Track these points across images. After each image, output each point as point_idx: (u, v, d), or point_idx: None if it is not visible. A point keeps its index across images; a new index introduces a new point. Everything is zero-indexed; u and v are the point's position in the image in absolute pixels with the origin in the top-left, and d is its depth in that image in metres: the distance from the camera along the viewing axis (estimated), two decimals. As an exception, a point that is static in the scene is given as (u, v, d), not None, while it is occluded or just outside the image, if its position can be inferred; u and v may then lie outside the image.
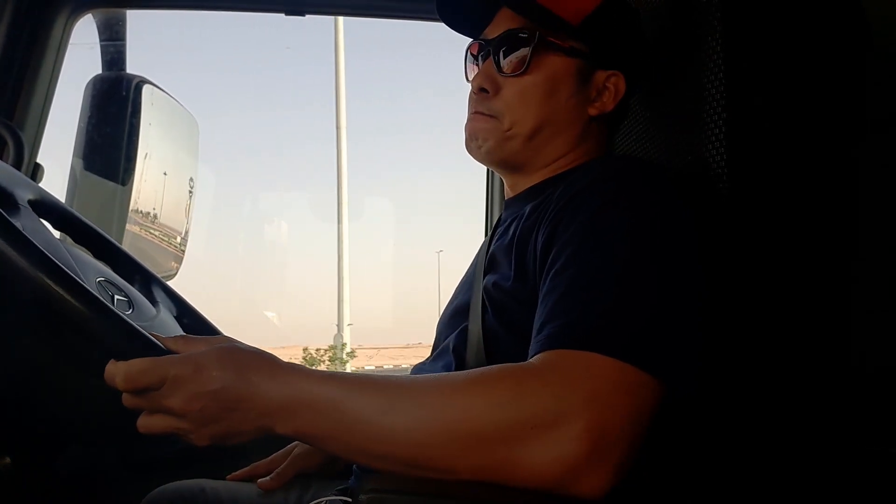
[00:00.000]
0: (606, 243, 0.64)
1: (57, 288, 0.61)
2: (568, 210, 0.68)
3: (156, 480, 0.92)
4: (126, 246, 1.23)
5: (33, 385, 0.73)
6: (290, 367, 0.61)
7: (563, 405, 0.54)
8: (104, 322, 0.63)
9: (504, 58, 0.82)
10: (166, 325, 0.96)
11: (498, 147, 0.83)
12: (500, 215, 0.91)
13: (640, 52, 0.87)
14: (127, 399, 0.61)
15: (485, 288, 0.78)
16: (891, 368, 0.74)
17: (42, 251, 0.62)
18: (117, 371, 0.59)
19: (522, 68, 0.81)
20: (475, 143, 0.84)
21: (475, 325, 0.79)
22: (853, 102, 0.78)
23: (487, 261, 0.83)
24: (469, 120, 0.86)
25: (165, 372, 0.59)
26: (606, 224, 0.65)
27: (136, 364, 0.59)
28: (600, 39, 0.82)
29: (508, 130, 0.82)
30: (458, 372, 0.60)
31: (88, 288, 0.63)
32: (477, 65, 0.87)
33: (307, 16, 1.46)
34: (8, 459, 0.78)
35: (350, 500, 0.80)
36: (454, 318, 0.88)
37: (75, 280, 0.62)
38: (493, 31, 0.85)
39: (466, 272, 0.96)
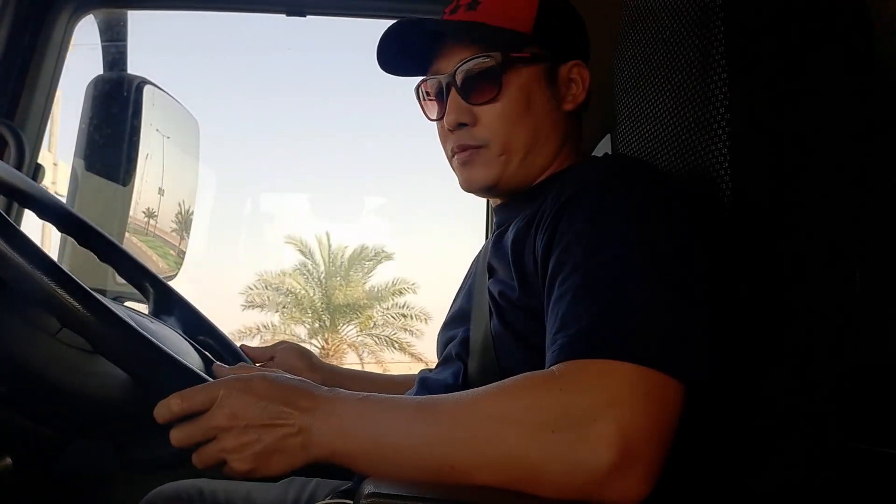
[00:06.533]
0: (608, 246, 0.63)
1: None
2: (564, 215, 0.67)
3: (155, 480, 0.92)
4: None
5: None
6: (330, 390, 0.62)
7: (584, 411, 0.53)
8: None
9: (472, 87, 0.79)
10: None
11: (499, 173, 0.81)
12: (495, 221, 0.89)
13: (583, 34, 0.87)
14: (177, 435, 0.61)
15: (490, 295, 0.77)
16: (890, 368, 0.74)
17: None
18: (172, 397, 0.61)
19: (496, 92, 0.78)
20: (473, 178, 0.82)
21: (477, 332, 0.79)
22: (856, 103, 0.78)
23: (487, 267, 0.82)
24: (456, 158, 0.83)
25: (216, 391, 0.61)
26: (605, 226, 0.65)
27: (189, 389, 0.62)
28: (553, 36, 0.82)
29: (502, 155, 0.80)
30: (479, 388, 0.59)
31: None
32: (437, 101, 0.84)
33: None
34: (9, 460, 0.78)
35: (351, 502, 0.80)
36: (454, 325, 0.88)
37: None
38: (446, 65, 0.81)
39: (464, 279, 0.96)
